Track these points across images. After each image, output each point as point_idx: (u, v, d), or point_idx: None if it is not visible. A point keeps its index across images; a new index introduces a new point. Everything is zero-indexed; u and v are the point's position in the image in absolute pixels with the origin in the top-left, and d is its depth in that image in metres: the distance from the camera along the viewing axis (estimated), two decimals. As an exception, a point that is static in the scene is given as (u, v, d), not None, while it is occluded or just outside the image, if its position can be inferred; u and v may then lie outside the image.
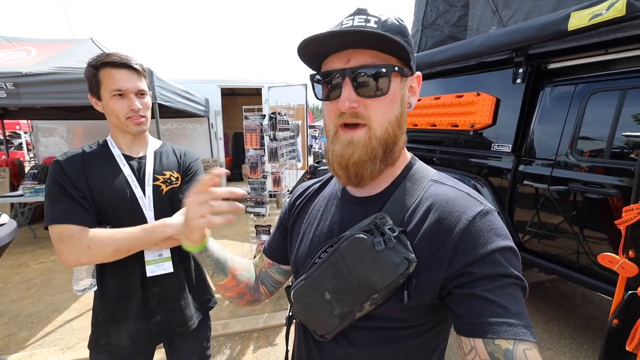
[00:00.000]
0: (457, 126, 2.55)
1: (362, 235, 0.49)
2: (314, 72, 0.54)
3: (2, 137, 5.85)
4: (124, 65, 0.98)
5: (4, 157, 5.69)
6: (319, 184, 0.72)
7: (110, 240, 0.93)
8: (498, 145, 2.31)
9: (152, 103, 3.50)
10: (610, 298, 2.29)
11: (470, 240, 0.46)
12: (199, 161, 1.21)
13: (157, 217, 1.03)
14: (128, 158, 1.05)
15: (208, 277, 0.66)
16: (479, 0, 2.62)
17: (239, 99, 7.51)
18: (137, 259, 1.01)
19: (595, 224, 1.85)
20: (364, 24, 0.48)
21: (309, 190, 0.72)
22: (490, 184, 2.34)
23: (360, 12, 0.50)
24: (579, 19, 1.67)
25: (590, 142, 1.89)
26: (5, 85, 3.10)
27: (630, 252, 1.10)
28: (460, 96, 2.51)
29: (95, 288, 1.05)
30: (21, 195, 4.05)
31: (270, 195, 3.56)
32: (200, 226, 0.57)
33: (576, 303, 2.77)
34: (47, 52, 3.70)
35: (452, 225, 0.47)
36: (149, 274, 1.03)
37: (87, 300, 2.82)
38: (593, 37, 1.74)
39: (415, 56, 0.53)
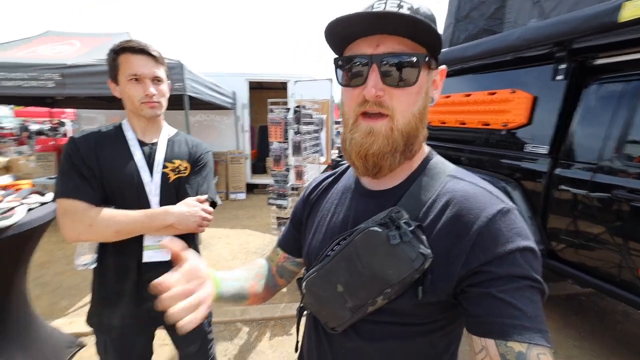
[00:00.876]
0: (488, 125, 2.42)
1: (376, 229, 0.47)
2: (338, 56, 0.52)
3: (50, 125, 6.34)
4: (142, 51, 0.99)
5: (51, 143, 6.18)
6: (333, 177, 0.71)
7: (112, 222, 0.95)
8: (533, 147, 2.17)
9: (182, 95, 3.64)
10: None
11: (490, 239, 0.44)
12: (209, 154, 1.21)
13: (162, 204, 1.05)
14: (141, 143, 1.07)
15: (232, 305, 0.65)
16: (519, -9, 2.46)
17: (265, 93, 7.61)
18: (136, 243, 1.03)
19: (640, 236, 1.69)
20: (396, 9, 0.46)
21: (323, 183, 0.71)
22: (521, 186, 2.21)
23: None
24: (632, 9, 1.51)
25: (640, 145, 1.72)
26: (53, 76, 3.36)
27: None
28: (493, 93, 2.38)
29: (95, 265, 1.07)
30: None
31: (293, 189, 3.60)
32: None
33: (615, 320, 2.56)
34: (89, 45, 3.94)
35: (471, 223, 0.46)
36: (145, 259, 1.03)
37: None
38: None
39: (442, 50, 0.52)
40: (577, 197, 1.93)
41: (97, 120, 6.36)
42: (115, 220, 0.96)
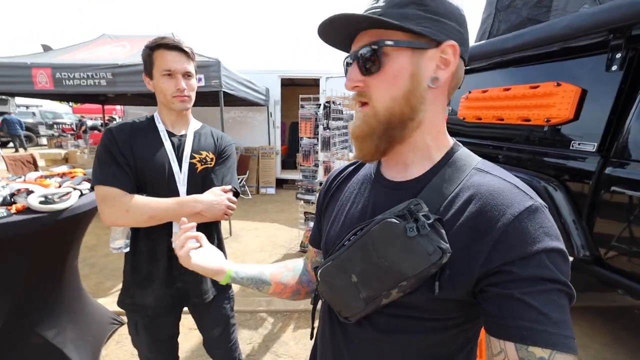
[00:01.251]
0: (529, 120, 2.26)
1: (394, 220, 0.47)
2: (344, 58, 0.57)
3: (102, 121, 6.95)
4: (175, 47, 1.05)
5: (102, 137, 6.76)
6: (353, 167, 0.71)
7: (146, 208, 1.01)
8: (579, 144, 1.98)
9: (218, 91, 3.81)
10: None
11: (514, 237, 0.42)
12: (233, 146, 1.27)
13: (189, 193, 1.11)
14: (170, 134, 1.13)
15: (256, 291, 0.76)
16: (570, -25, 2.25)
17: (297, 89, 7.69)
18: (165, 229, 1.09)
19: None
20: (374, 4, 0.49)
21: (344, 172, 0.71)
22: (565, 187, 2.04)
23: None
24: None
25: None
26: (106, 75, 3.68)
27: None
28: (536, 87, 2.20)
29: (128, 249, 1.16)
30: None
31: (321, 184, 3.63)
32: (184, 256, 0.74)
33: (673, 339, 2.30)
34: (138, 46, 4.27)
35: (495, 219, 0.44)
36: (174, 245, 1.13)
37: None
38: None
39: (449, 25, 0.49)
40: (633, 200, 1.75)
41: (142, 116, 6.85)
42: (150, 207, 1.02)
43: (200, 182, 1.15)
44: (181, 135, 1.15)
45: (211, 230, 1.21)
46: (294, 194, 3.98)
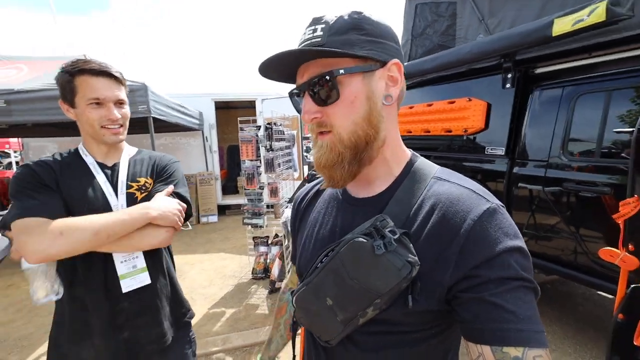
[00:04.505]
0: (450, 131, 2.60)
1: (361, 239, 0.47)
2: (289, 92, 0.57)
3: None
4: (103, 73, 0.92)
5: (-7, 176, 5.58)
6: (319, 185, 0.71)
7: (87, 224, 0.83)
8: (492, 149, 2.35)
9: (147, 117, 3.51)
10: (610, 296, 2.30)
11: (477, 241, 0.44)
12: (176, 164, 1.13)
13: None
14: (102, 166, 1.00)
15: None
16: (465, 11, 2.72)
17: (232, 112, 7.55)
18: (102, 262, 0.93)
19: (591, 222, 1.88)
20: (312, 34, 0.49)
21: (310, 193, 0.71)
22: (486, 187, 2.37)
23: (311, 22, 0.51)
24: (562, 25, 1.74)
25: (581, 142, 1.94)
26: (-3, 103, 3.09)
27: (630, 246, 1.11)
28: (452, 102, 2.57)
29: (60, 295, 0.94)
30: (11, 215, 3.96)
31: (268, 207, 3.55)
32: None
33: (577, 302, 2.78)
34: (39, 69, 3.70)
35: (458, 226, 0.45)
36: (125, 289, 0.95)
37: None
38: (577, 42, 1.82)
39: (388, 45, 0.51)
40: (534, 192, 2.12)
41: (48, 149, 5.90)
42: (93, 222, 0.84)
43: None
44: (114, 165, 1.02)
45: (161, 261, 1.05)
46: (238, 219, 3.81)
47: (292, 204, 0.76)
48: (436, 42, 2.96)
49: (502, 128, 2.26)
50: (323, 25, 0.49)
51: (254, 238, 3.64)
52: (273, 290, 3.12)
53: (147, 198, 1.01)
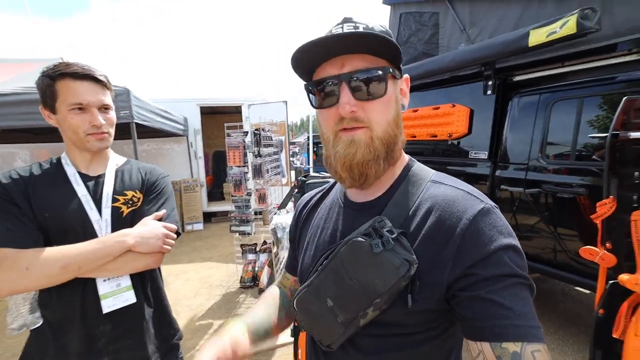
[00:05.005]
0: (435, 136, 2.68)
1: (359, 239, 0.48)
2: (307, 82, 0.55)
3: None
4: (87, 76, 0.87)
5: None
6: (321, 193, 0.72)
7: (56, 257, 0.79)
8: (475, 153, 2.44)
9: (129, 123, 3.42)
10: (589, 291, 2.41)
11: (472, 241, 0.45)
12: (166, 179, 1.09)
13: None
14: (84, 177, 0.94)
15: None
16: (447, 20, 2.83)
17: (218, 118, 7.45)
18: (80, 285, 0.87)
19: (569, 222, 1.98)
20: (354, 30, 0.49)
21: (312, 200, 0.72)
22: (470, 189, 2.46)
23: (347, 20, 0.50)
24: (537, 36, 1.84)
25: (558, 146, 2.05)
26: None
27: (607, 244, 1.18)
28: (437, 108, 2.65)
29: (40, 324, 0.89)
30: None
31: (256, 213, 3.51)
32: None
33: (557, 300, 2.89)
34: (10, 72, 3.52)
35: (454, 226, 0.46)
36: (106, 309, 0.88)
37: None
38: (551, 52, 1.93)
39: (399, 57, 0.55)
40: (516, 194, 2.21)
41: (19, 156, 5.59)
42: (61, 254, 0.79)
43: (130, 227, 0.94)
44: (98, 176, 0.95)
45: (148, 278, 1.00)
46: (225, 227, 3.73)
47: (294, 213, 0.75)
48: (420, 50, 3.05)
49: (485, 133, 2.35)
50: (363, 25, 0.49)
51: (241, 245, 3.58)
52: (262, 297, 3.08)
53: (135, 214, 0.95)
